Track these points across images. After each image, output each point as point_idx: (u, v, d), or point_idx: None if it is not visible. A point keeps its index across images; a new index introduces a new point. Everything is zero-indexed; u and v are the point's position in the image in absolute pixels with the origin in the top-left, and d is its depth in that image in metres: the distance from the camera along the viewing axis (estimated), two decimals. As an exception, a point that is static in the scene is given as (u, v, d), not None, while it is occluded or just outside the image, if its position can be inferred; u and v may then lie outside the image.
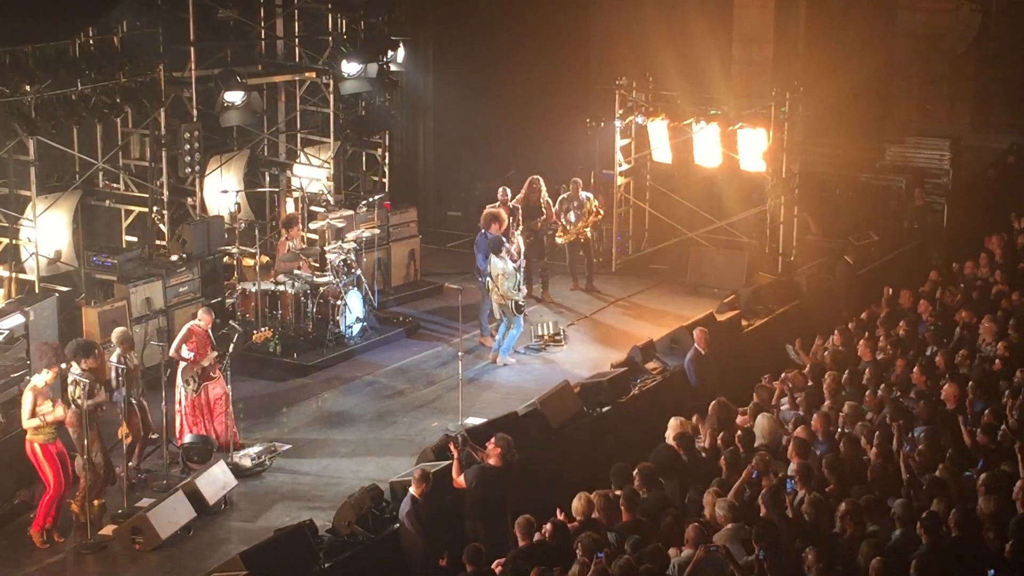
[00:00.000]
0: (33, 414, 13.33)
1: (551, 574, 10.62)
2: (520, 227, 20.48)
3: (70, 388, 13.64)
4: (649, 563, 10.83)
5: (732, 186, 22.80)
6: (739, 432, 13.92)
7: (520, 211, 20.72)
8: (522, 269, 19.08)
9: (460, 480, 13.16)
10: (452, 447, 13.39)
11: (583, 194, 21.64)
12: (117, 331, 15.05)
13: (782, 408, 15.03)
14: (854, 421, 14.02)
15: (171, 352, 15.55)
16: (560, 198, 21.60)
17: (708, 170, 22.64)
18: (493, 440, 13.22)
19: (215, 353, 15.61)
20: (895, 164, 25.12)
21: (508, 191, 20.77)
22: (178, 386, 15.55)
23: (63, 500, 13.64)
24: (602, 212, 22.19)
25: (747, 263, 22.05)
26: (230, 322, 18.17)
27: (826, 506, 11.80)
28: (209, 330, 15.76)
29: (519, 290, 18.64)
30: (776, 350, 18.07)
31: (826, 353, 16.64)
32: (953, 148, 24.73)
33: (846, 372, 15.46)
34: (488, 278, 18.57)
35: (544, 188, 21.38)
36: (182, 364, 15.57)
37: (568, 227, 21.46)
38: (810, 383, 15.51)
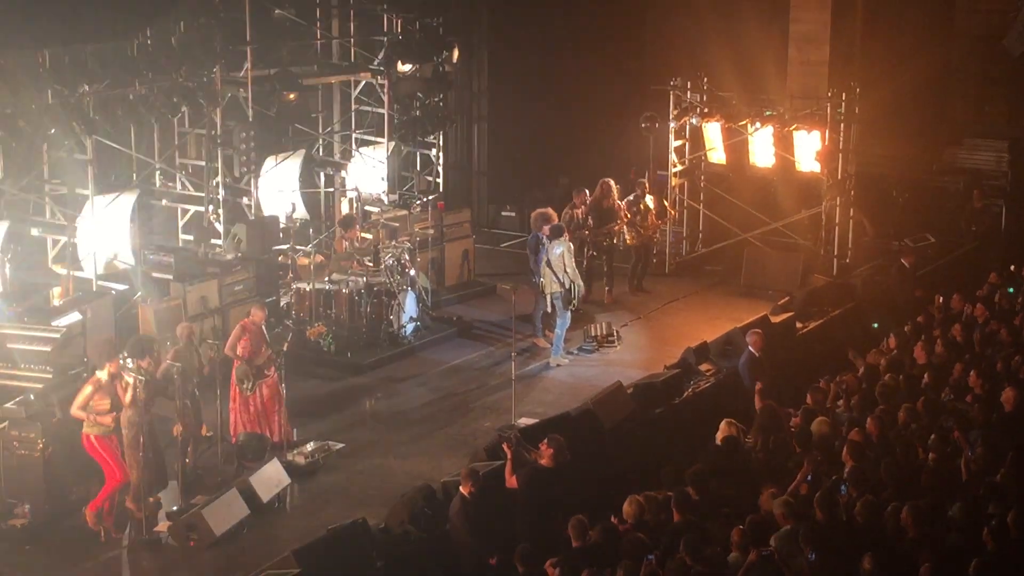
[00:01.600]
0: (84, 407, 13.45)
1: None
2: (588, 231, 20.61)
3: (125, 385, 13.74)
4: (705, 566, 10.78)
5: (787, 187, 22.72)
6: (793, 431, 13.86)
7: (586, 215, 20.80)
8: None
9: (512, 480, 13.16)
10: (505, 447, 13.40)
11: (647, 198, 21.72)
12: (180, 327, 15.18)
13: (837, 411, 14.95)
14: (910, 424, 13.91)
15: (226, 350, 15.66)
16: (627, 200, 21.65)
17: (763, 171, 22.57)
18: (546, 441, 13.23)
19: (269, 351, 15.68)
20: (952, 166, 24.92)
21: (588, 193, 20.85)
22: (233, 384, 15.64)
23: (123, 491, 13.73)
24: (674, 213, 22.33)
25: (802, 265, 21.94)
26: (284, 321, 18.30)
27: (880, 509, 11.70)
28: (263, 327, 15.84)
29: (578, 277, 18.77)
30: (831, 353, 17.95)
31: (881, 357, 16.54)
32: (1012, 150, 24.49)
33: (901, 375, 15.34)
34: (545, 266, 18.57)
35: (615, 191, 21.35)
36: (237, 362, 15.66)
37: (640, 230, 21.56)
38: (864, 386, 15.39)
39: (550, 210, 19.55)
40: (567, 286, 18.52)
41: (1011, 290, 17.71)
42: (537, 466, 13.16)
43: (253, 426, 15.59)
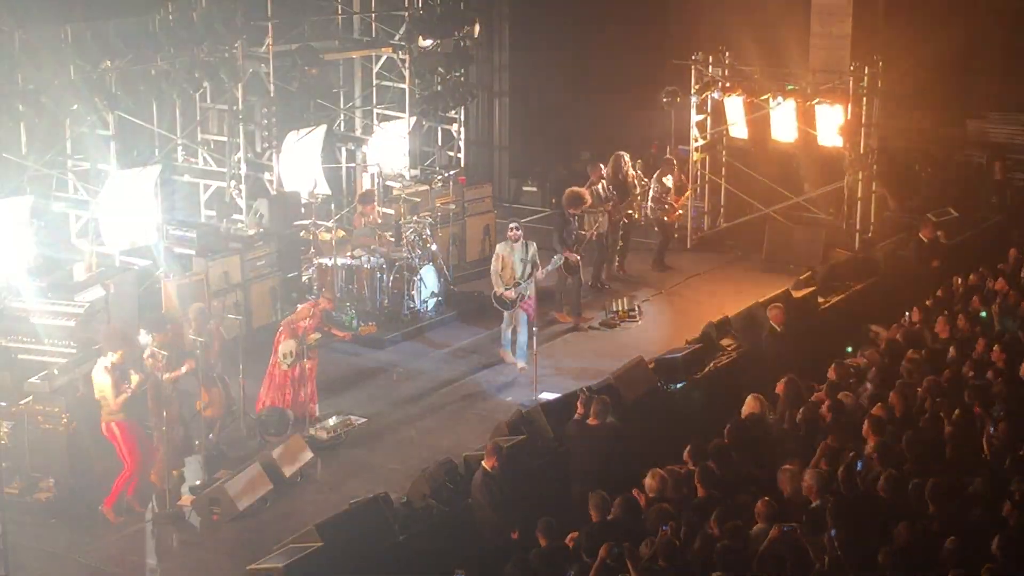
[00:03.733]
0: (119, 391, 13.44)
1: (620, 550, 10.61)
2: (610, 205, 20.53)
3: (148, 362, 13.77)
4: (728, 540, 10.79)
5: (809, 162, 22.65)
6: (827, 403, 13.82)
7: (608, 190, 20.74)
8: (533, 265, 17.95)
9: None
10: (579, 404, 13.65)
11: (667, 178, 21.71)
12: (194, 307, 15.20)
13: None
14: (934, 399, 13.87)
15: (289, 318, 15.82)
16: (655, 175, 21.67)
17: (785, 146, 22.49)
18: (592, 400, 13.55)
19: (318, 335, 15.71)
20: (976, 139, 24.76)
21: (603, 168, 20.78)
22: (275, 354, 15.67)
23: (142, 477, 13.79)
24: (689, 192, 22.30)
25: (824, 239, 21.89)
26: (307, 296, 18.33)
27: (903, 484, 11.68)
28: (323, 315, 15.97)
29: (509, 282, 17.53)
30: (853, 327, 17.90)
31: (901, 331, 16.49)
32: (1036, 123, 24.37)
33: (924, 350, 15.29)
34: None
35: (628, 165, 21.26)
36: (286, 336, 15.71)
37: (666, 205, 21.55)
38: (886, 361, 15.35)
39: (584, 191, 19.50)
40: (504, 290, 17.58)
41: None
42: (583, 422, 13.50)
43: (276, 400, 15.64)
